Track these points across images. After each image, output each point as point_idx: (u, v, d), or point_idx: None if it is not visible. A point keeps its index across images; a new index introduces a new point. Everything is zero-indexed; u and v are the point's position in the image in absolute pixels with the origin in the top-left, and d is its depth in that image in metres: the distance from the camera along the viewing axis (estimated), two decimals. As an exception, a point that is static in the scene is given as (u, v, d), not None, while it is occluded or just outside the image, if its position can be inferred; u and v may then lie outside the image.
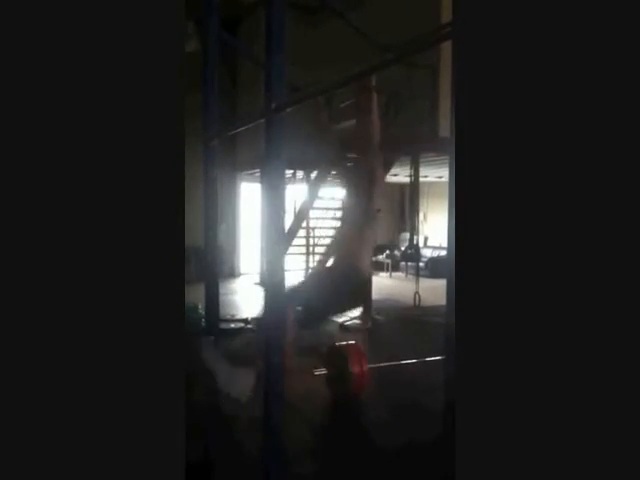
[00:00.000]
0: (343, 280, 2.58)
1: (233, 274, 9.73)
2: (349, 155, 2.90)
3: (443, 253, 9.56)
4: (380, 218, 2.80)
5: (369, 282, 2.79)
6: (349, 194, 2.79)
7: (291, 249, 8.95)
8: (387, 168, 6.69)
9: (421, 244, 10.01)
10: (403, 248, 10.64)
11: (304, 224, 9.02)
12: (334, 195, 8.38)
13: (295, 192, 8.06)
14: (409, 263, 10.04)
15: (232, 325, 5.23)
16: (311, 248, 9.11)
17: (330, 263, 2.84)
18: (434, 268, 9.39)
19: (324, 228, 8.89)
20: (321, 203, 7.67)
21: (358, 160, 2.78)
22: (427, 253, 10.34)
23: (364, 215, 2.66)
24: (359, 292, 2.76)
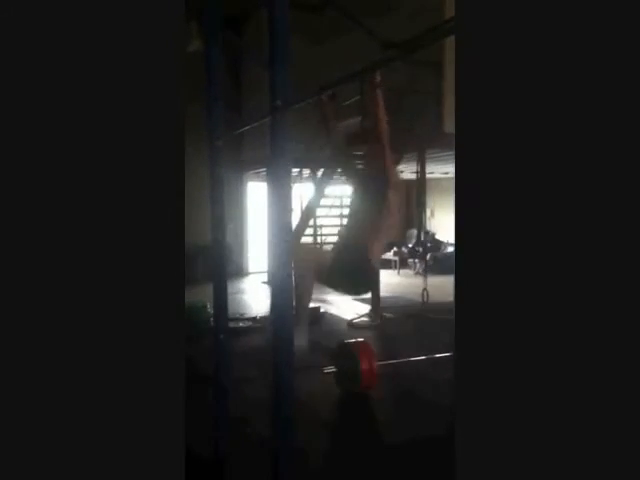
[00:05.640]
0: (351, 261, 2.61)
1: (241, 273, 9.75)
2: (357, 152, 2.89)
3: (451, 249, 9.54)
4: (394, 215, 2.81)
5: (376, 274, 2.84)
6: (362, 191, 2.79)
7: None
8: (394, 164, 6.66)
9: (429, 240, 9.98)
10: (411, 245, 10.62)
11: (311, 222, 9.02)
12: (341, 193, 8.38)
13: (302, 190, 8.06)
14: (417, 260, 10.02)
15: (241, 324, 5.25)
16: (318, 246, 9.12)
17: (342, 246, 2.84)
18: (442, 264, 9.36)
19: (331, 226, 8.88)
20: (328, 201, 7.67)
21: (368, 157, 2.80)
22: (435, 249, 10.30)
23: (379, 211, 2.67)
24: (364, 278, 2.77)
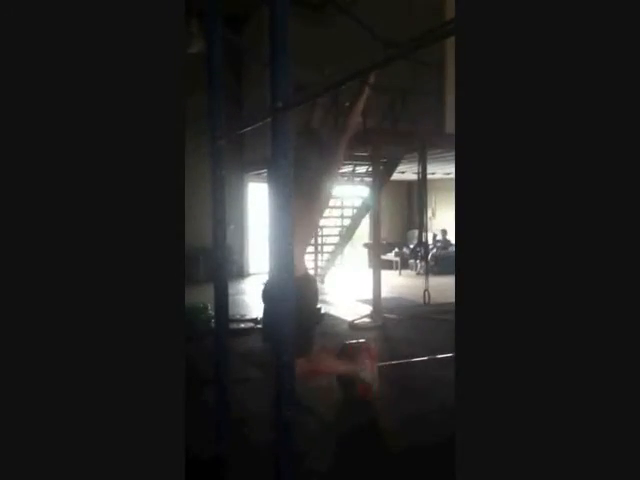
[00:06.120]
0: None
1: (242, 274, 9.74)
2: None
3: (452, 249, 9.53)
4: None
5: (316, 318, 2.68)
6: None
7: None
8: (394, 165, 6.68)
9: (431, 240, 9.98)
10: (412, 245, 10.63)
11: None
12: (342, 193, 8.38)
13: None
14: (418, 260, 10.02)
15: (242, 325, 5.24)
16: (319, 247, 9.12)
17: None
18: (443, 264, 9.37)
19: (332, 227, 8.89)
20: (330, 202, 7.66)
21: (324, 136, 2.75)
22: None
23: (303, 215, 2.57)
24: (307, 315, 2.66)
